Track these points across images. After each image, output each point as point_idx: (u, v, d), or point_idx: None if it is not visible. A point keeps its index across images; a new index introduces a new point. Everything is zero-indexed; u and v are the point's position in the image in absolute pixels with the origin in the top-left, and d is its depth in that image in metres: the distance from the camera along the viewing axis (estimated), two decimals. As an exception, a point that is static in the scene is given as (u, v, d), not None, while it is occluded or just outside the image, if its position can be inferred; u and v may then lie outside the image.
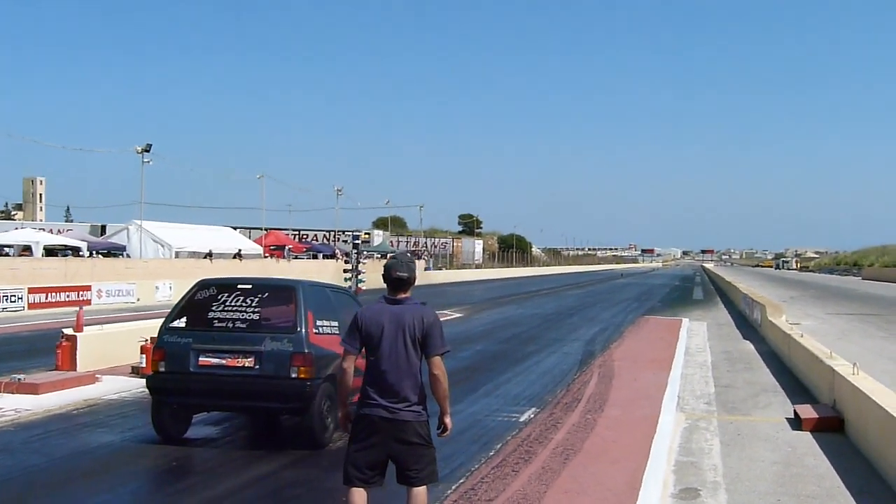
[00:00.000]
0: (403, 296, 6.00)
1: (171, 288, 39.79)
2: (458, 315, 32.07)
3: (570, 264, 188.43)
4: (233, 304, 9.97)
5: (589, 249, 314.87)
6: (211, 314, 9.96)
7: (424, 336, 5.86)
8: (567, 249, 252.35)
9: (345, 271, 27.21)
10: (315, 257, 74.58)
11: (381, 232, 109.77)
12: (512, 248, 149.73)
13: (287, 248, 69.75)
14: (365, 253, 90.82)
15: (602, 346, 21.62)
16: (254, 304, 9.94)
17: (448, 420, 6.05)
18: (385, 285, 5.99)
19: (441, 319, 6.06)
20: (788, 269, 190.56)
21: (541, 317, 32.75)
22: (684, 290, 64.19)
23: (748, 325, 28.75)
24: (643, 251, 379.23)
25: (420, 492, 5.89)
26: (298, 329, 9.68)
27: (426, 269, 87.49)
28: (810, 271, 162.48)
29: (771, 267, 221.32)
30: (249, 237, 77.87)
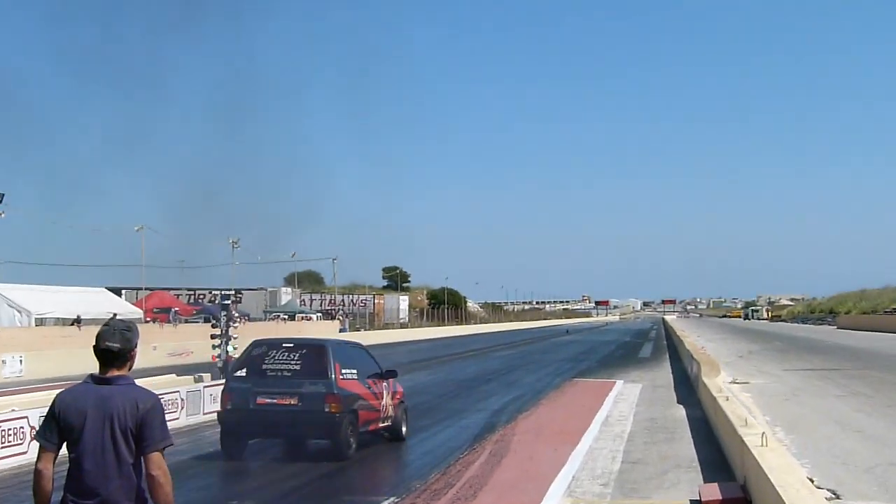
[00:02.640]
0: (116, 374, 5.37)
1: (21, 361, 38.18)
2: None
3: (511, 320, 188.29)
4: (280, 357, 15.15)
5: (536, 303, 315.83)
6: (265, 366, 15.17)
7: (139, 426, 5.18)
8: (510, 304, 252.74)
9: (212, 336, 25.78)
10: (208, 321, 73.12)
11: (289, 289, 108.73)
12: (443, 304, 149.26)
13: (173, 310, 68.52)
14: (274, 314, 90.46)
15: (509, 418, 21.06)
16: (296, 358, 15.07)
17: (173, 532, 5.44)
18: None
19: None
20: (758, 318, 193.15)
21: (453, 383, 32.13)
22: (632, 347, 64.18)
23: (689, 385, 28.47)
24: (597, 303, 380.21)
25: None
26: (330, 376, 14.86)
27: (341, 330, 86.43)
28: (782, 321, 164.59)
29: (739, 317, 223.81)
30: (136, 297, 76.06)
